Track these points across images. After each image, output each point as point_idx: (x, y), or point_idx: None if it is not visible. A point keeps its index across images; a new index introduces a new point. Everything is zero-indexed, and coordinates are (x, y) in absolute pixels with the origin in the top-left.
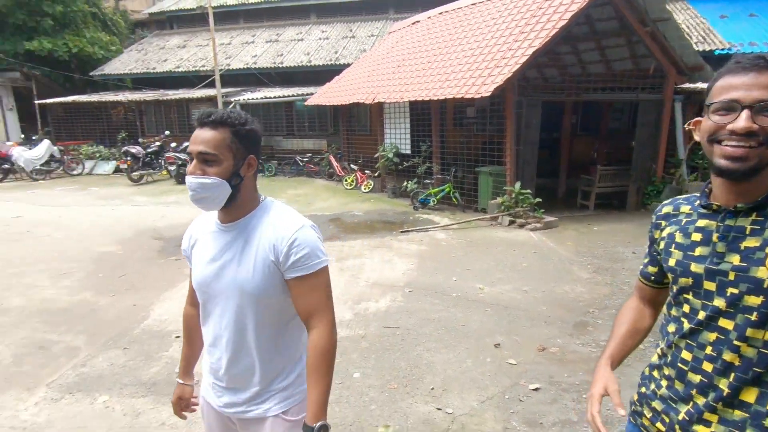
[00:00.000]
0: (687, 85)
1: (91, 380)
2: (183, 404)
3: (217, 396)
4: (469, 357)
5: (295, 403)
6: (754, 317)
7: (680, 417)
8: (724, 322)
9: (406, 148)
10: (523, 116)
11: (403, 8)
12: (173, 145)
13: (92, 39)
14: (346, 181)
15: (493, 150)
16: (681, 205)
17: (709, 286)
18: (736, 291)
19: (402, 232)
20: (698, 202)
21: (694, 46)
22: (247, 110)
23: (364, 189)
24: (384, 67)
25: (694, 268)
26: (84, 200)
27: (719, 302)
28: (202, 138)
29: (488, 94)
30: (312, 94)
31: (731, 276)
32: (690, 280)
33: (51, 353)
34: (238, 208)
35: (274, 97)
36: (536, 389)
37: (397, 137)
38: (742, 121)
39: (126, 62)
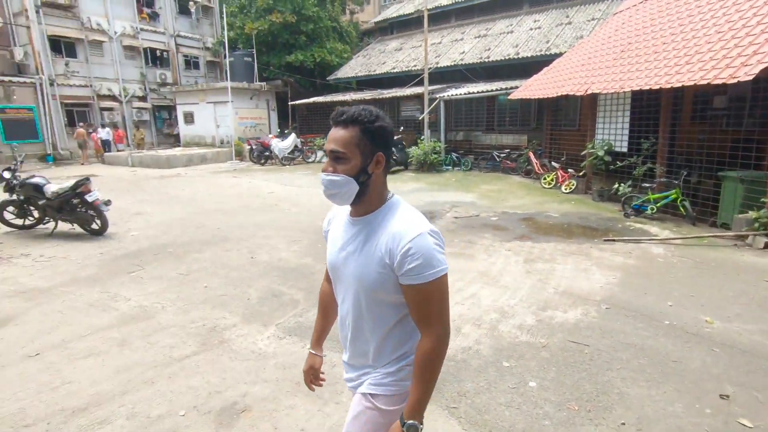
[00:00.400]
0: None
1: (304, 329)
2: (313, 374)
3: (345, 371)
4: (680, 400)
5: (387, 393)
6: None
7: None
8: None
9: (621, 146)
10: None
11: None
12: None
13: (331, 49)
14: (544, 179)
15: (749, 150)
16: None
17: None
18: None
19: (606, 240)
20: None
21: None
22: (450, 106)
23: (565, 189)
24: (603, 54)
25: None
26: (313, 183)
27: None
28: (334, 137)
29: (750, 77)
30: (516, 87)
31: None
32: None
33: (281, 301)
34: (366, 203)
35: (478, 92)
36: None
37: (612, 133)
38: None
39: (353, 67)
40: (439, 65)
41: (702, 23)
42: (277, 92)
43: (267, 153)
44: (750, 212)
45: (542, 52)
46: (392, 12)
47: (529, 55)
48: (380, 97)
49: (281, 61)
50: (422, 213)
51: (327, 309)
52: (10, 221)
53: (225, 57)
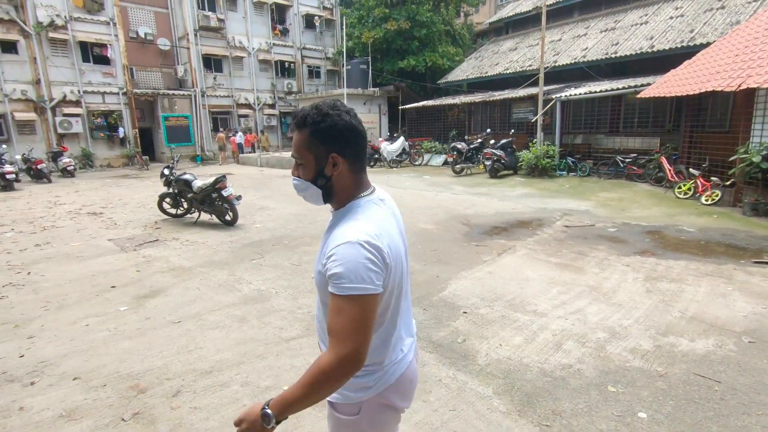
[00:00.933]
0: None
1: None
2: None
3: None
4: None
5: (342, 401)
6: None
7: None
8: None
9: None
10: None
11: None
12: (492, 141)
13: (443, 53)
14: (679, 188)
15: None
16: None
17: None
18: None
19: (756, 262)
20: None
21: None
22: (568, 107)
23: (705, 200)
24: (765, 42)
25: None
26: (418, 185)
27: None
28: (293, 141)
29: None
30: (648, 85)
31: None
32: None
33: None
34: (335, 203)
35: (601, 91)
36: None
37: None
38: None
39: (465, 69)
40: (557, 64)
41: None
42: (388, 97)
43: (376, 156)
44: None
45: (683, 44)
46: (508, 11)
47: (666, 48)
48: (491, 99)
49: (394, 67)
50: (528, 220)
51: None
52: (167, 210)
53: (343, 66)
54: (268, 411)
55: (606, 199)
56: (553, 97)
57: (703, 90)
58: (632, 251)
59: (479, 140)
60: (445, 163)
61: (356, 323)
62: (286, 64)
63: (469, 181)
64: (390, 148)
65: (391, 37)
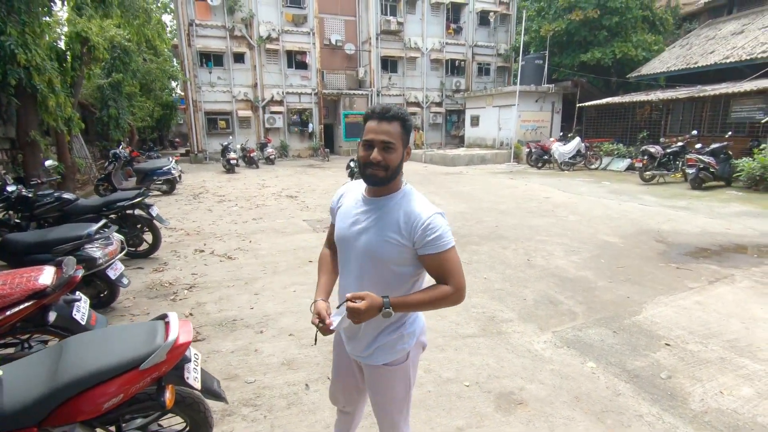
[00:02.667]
0: None
1: (583, 344)
2: (321, 316)
3: (344, 341)
4: None
5: (397, 356)
6: None
7: None
8: None
9: None
10: None
11: None
12: (698, 146)
13: (638, 42)
14: None
15: None
16: None
17: None
18: None
19: None
20: None
21: None
22: None
23: None
24: None
25: None
26: (596, 191)
27: None
28: (384, 129)
29: None
30: None
31: None
32: None
33: (557, 309)
34: (388, 187)
35: None
36: None
37: None
38: None
39: (665, 60)
40: None
41: None
42: (564, 94)
43: (546, 157)
44: None
45: None
46: None
47: None
48: (701, 94)
49: (574, 61)
50: (750, 245)
51: (330, 267)
52: None
53: (517, 61)
54: (387, 300)
55: None
56: None
57: None
58: None
59: (680, 143)
60: (630, 168)
61: (460, 264)
62: (457, 62)
63: (662, 191)
64: (563, 150)
65: (575, 29)
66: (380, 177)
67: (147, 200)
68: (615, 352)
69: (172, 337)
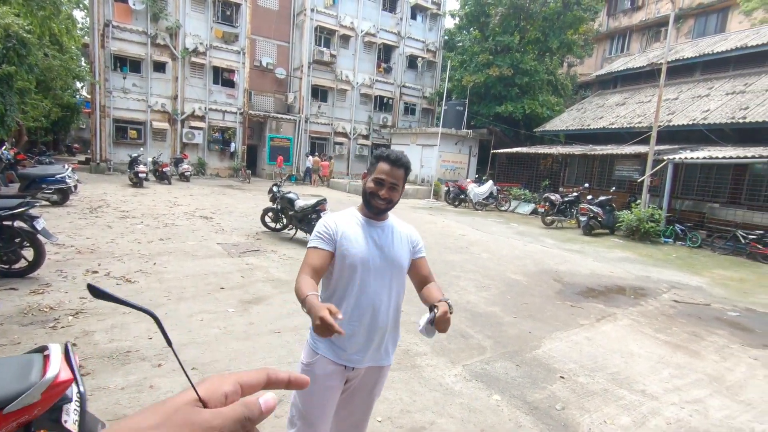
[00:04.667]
0: None
1: (490, 377)
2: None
3: (354, 359)
4: None
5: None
6: None
7: None
8: None
9: None
10: None
11: None
12: (589, 197)
13: (543, 101)
14: None
15: None
16: None
17: None
18: None
19: None
20: None
21: None
22: (680, 170)
23: None
24: None
25: None
26: (505, 232)
27: None
28: (395, 174)
29: None
30: None
31: None
32: None
33: (468, 343)
34: (386, 215)
35: (724, 158)
36: None
37: None
38: None
39: (564, 120)
40: (671, 123)
41: None
42: (480, 139)
43: (462, 196)
44: None
45: None
46: (619, 65)
47: None
48: (592, 153)
49: (490, 111)
50: (629, 287)
51: (313, 286)
52: (267, 223)
53: (440, 105)
54: (449, 301)
55: (723, 277)
56: (665, 158)
57: None
58: (762, 343)
59: (575, 193)
60: (534, 212)
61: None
62: (385, 99)
63: (560, 235)
64: (478, 191)
65: (492, 83)
66: (383, 208)
67: (32, 211)
68: (517, 385)
69: (51, 373)
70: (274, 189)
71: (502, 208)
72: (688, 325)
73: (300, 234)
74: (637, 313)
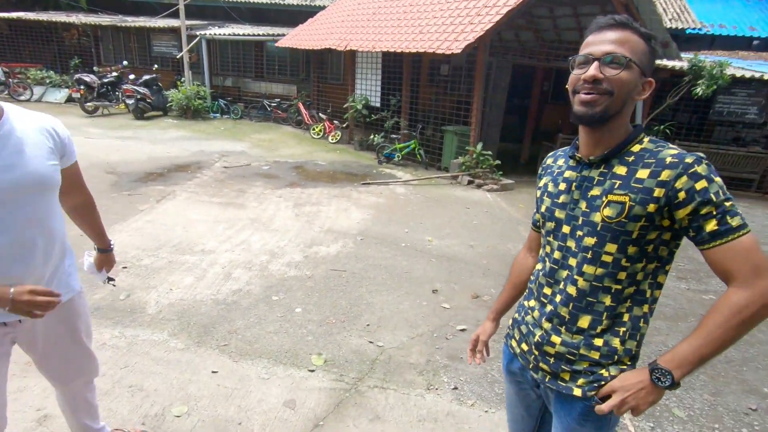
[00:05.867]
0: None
1: None
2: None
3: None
4: (407, 300)
5: None
6: (589, 255)
7: (535, 339)
8: (572, 261)
9: (376, 101)
10: (492, 78)
11: None
12: (132, 77)
13: None
14: (313, 130)
15: (464, 111)
16: (559, 157)
17: (566, 229)
18: (581, 233)
19: (363, 184)
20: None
21: (669, 22)
22: (215, 47)
23: (332, 140)
24: (359, 13)
25: (558, 213)
26: None
27: (571, 243)
28: None
29: (459, 51)
30: (284, 35)
31: (579, 221)
32: (553, 224)
33: None
34: None
35: (243, 35)
36: (463, 330)
37: (368, 89)
38: (591, 70)
39: None
40: None
41: (434, 1)
42: None
43: None
44: (459, 158)
45: (307, 2)
46: None
47: (295, 3)
48: (123, 24)
49: None
50: (187, 164)
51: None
52: None
53: None
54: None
55: (259, 140)
56: (198, 33)
57: (322, 47)
58: (283, 184)
59: (114, 74)
60: (70, 99)
61: None
62: None
63: (108, 123)
64: None
65: None
66: None
67: None
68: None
69: None
70: None
71: (21, 98)
72: (236, 184)
73: None
74: (195, 185)
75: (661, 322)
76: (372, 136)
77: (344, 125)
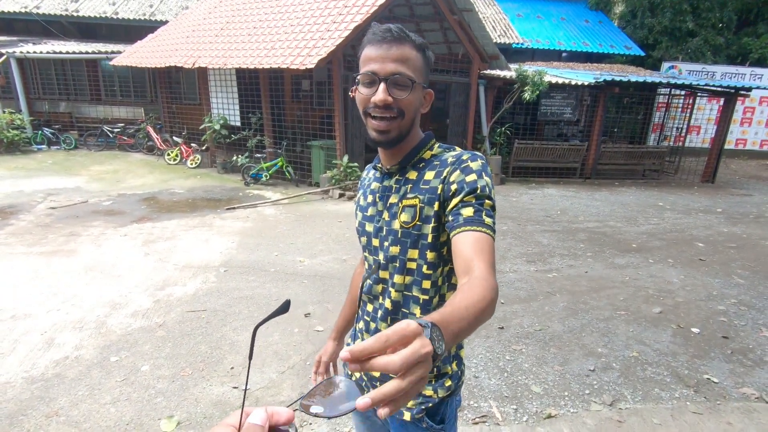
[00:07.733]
0: (488, 71)
1: None
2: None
3: None
4: (277, 330)
5: None
6: (397, 264)
7: None
8: (384, 274)
9: (235, 120)
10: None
11: None
12: None
13: None
14: (168, 155)
15: (328, 125)
16: (369, 169)
17: (375, 242)
18: (387, 243)
19: (227, 209)
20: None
21: (498, 38)
22: (32, 67)
23: (191, 164)
24: (206, 28)
25: (368, 227)
26: None
27: (380, 255)
28: None
29: (312, 65)
30: (120, 52)
31: (384, 231)
32: (365, 239)
33: None
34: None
35: (69, 53)
36: None
37: (226, 107)
38: (380, 93)
39: None
40: (1, 10)
41: (283, 17)
42: None
43: None
44: (328, 172)
45: (146, 17)
46: None
47: (131, 17)
48: None
49: None
50: None
51: None
52: None
53: None
54: None
55: (99, 172)
56: (4, 51)
57: (167, 64)
58: (129, 220)
59: None
60: None
61: None
62: None
63: None
64: None
65: None
66: None
67: None
68: None
69: None
70: None
71: None
72: (66, 228)
73: None
74: (7, 234)
75: (518, 306)
76: (235, 157)
77: (203, 148)
